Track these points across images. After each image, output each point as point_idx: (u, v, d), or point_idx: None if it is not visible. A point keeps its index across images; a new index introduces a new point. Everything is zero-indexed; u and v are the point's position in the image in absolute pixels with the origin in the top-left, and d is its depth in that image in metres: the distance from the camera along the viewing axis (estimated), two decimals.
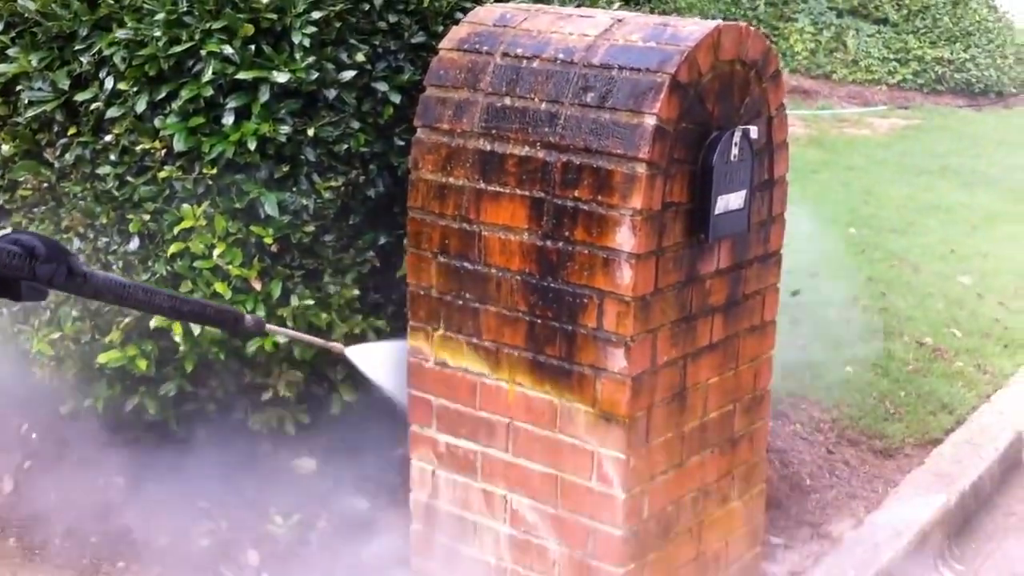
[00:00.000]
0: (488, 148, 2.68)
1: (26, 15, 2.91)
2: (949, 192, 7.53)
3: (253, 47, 2.78)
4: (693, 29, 2.55)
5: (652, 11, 12.28)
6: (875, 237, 6.25)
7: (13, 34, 3.04)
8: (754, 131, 2.69)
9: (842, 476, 3.74)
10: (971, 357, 4.66)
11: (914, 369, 4.49)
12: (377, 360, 2.88)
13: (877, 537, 3.41)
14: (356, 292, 2.99)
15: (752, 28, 2.70)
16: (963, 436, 4.02)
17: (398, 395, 2.91)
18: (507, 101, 2.66)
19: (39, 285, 1.59)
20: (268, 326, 2.59)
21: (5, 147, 3.06)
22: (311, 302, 2.91)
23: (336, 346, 2.83)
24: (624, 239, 2.51)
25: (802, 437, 3.90)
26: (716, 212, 2.64)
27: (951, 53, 11.13)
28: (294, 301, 2.89)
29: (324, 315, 2.94)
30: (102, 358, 2.93)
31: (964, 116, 10.50)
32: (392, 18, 2.97)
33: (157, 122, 2.81)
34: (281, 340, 2.88)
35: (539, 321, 2.65)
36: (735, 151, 2.65)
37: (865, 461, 3.84)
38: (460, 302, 2.77)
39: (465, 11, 2.99)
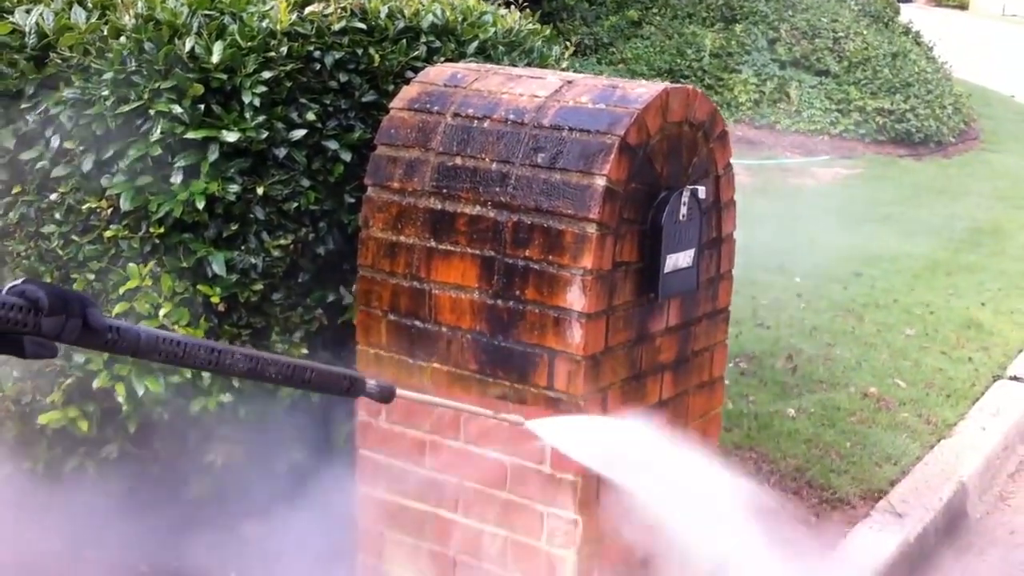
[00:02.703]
0: (439, 207, 2.69)
1: None
2: (891, 241, 7.65)
3: (202, 106, 2.77)
4: (641, 92, 2.59)
5: (599, 61, 12.27)
6: (819, 287, 6.32)
7: None
8: (702, 191, 2.72)
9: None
10: (915, 407, 4.71)
11: (859, 420, 4.53)
12: (563, 433, 2.50)
13: None
14: (304, 350, 2.96)
15: (699, 91, 2.74)
16: (908, 487, 4.06)
17: (593, 469, 2.57)
18: (458, 161, 2.68)
19: (45, 340, 1.43)
20: (402, 392, 2.00)
21: None
22: None
23: (515, 418, 2.38)
24: (575, 298, 2.52)
25: None
26: (665, 271, 2.66)
27: (891, 104, 11.37)
28: None
29: None
30: (43, 419, 2.88)
31: (905, 166, 10.71)
32: (343, 77, 2.96)
33: (104, 181, 2.78)
34: (226, 399, 2.84)
35: (490, 380, 2.65)
36: (683, 211, 2.68)
37: (812, 513, 3.86)
38: (410, 360, 2.76)
39: (416, 70, 3.00)
